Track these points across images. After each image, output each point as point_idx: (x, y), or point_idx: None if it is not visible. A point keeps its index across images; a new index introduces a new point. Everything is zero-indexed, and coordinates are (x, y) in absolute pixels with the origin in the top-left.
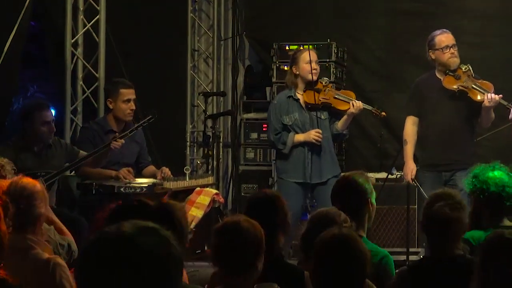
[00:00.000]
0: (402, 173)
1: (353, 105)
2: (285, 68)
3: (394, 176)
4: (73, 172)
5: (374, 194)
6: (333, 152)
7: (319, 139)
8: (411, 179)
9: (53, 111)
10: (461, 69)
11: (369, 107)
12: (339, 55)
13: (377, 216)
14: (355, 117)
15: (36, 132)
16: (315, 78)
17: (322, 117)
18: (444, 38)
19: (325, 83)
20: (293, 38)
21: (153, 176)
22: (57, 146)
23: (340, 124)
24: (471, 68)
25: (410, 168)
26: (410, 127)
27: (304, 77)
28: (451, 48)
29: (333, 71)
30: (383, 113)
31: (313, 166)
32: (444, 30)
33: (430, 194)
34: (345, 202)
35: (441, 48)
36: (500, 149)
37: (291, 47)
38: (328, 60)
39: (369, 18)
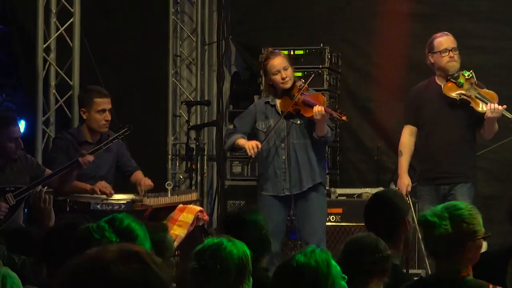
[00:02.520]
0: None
1: (317, 110)
2: None
3: None
4: (46, 187)
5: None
6: (313, 159)
7: (251, 152)
8: (406, 195)
9: (23, 122)
10: (464, 75)
11: (331, 111)
12: (333, 61)
13: None
14: (350, 128)
15: (2, 148)
16: (287, 86)
17: (298, 122)
18: (443, 40)
19: (299, 86)
20: (283, 42)
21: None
22: (23, 161)
23: (316, 131)
24: (474, 75)
25: (405, 184)
26: (407, 137)
27: (278, 87)
28: (451, 52)
29: (326, 78)
30: (343, 117)
31: (292, 176)
32: (445, 32)
33: None
34: (378, 220)
35: (439, 51)
36: (505, 162)
37: (281, 52)
38: (321, 66)
39: (365, 20)
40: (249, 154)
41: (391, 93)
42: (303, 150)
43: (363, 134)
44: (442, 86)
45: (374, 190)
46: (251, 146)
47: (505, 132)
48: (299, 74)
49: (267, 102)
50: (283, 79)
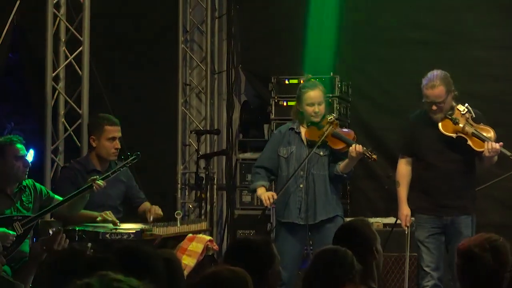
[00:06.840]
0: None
1: (355, 148)
2: (284, 103)
3: None
4: (52, 217)
5: (378, 240)
6: (330, 192)
7: (267, 203)
8: (406, 225)
9: (32, 151)
10: (459, 110)
11: (364, 150)
12: (343, 89)
13: (386, 265)
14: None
15: (10, 168)
16: (316, 120)
17: (321, 153)
18: (428, 93)
19: (330, 119)
20: (293, 70)
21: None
22: (32, 190)
23: (342, 167)
24: (470, 109)
25: (404, 214)
26: (403, 167)
27: (307, 117)
28: (434, 105)
29: (336, 107)
30: (374, 156)
31: (308, 206)
32: (431, 82)
33: None
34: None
35: (426, 102)
36: None
37: (291, 81)
38: (331, 95)
39: (376, 48)
40: (265, 204)
41: (402, 122)
42: (322, 182)
43: (373, 163)
44: (439, 124)
45: (384, 220)
46: (266, 197)
47: None
48: None
49: (292, 129)
50: (315, 112)
